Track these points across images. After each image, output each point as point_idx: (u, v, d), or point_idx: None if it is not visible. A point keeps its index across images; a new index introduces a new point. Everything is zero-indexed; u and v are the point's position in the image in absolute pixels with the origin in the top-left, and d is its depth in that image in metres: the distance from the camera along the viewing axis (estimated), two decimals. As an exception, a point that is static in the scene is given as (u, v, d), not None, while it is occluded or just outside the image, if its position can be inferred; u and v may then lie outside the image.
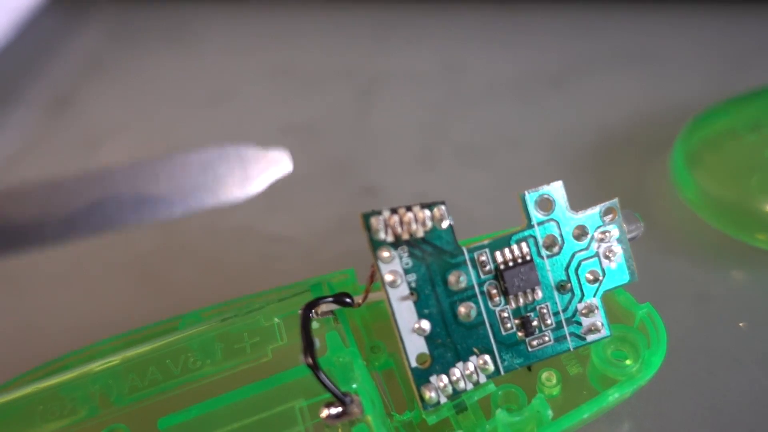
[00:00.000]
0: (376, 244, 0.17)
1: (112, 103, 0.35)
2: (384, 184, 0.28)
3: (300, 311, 0.18)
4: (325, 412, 0.17)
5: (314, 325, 0.19)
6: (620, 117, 0.29)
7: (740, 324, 0.22)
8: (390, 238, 0.17)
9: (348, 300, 0.18)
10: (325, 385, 0.16)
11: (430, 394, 0.18)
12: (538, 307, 0.19)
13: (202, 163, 0.14)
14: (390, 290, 0.18)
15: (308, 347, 0.17)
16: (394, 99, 0.33)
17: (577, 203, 0.19)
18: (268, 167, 0.15)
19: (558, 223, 0.19)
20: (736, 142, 0.25)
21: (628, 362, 0.19)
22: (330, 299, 0.18)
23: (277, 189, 0.28)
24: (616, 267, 0.19)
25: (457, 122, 0.31)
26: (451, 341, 0.18)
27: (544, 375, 0.19)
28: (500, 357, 0.18)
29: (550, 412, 0.18)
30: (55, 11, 0.41)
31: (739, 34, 0.32)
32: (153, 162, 0.14)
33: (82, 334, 0.22)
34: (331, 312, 0.19)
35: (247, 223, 0.28)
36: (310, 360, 0.17)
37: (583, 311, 0.19)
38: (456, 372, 0.18)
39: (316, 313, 0.18)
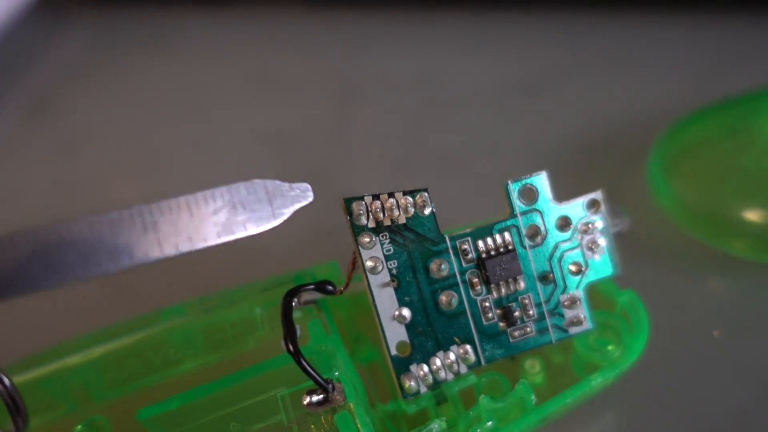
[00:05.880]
0: (357, 230, 0.17)
1: (90, 109, 0.35)
2: (361, 192, 0.28)
3: (282, 299, 0.17)
4: (307, 400, 0.17)
5: (296, 314, 0.18)
6: (597, 124, 0.30)
7: (714, 332, 0.22)
8: (371, 224, 0.18)
9: (330, 287, 0.18)
10: (306, 372, 0.16)
11: (409, 383, 0.18)
12: (520, 298, 0.19)
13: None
14: (370, 276, 0.18)
15: (289, 334, 0.17)
16: (372, 106, 0.33)
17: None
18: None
19: (541, 213, 0.19)
20: (712, 149, 0.25)
21: (610, 348, 0.19)
22: (311, 287, 0.18)
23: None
24: (600, 259, 0.19)
25: (435, 130, 0.31)
26: (431, 330, 0.18)
27: (528, 363, 0.19)
28: (481, 347, 0.18)
29: (533, 398, 0.18)
30: (36, 18, 0.41)
31: (715, 43, 0.32)
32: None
33: (55, 334, 0.22)
34: (314, 301, 0.19)
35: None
36: (290, 347, 0.16)
37: (566, 303, 0.19)
38: (437, 361, 0.18)
39: (299, 301, 0.18)
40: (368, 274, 0.18)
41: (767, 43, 0.32)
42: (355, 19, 0.38)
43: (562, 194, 0.19)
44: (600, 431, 0.20)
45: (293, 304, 0.17)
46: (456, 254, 0.18)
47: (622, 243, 0.21)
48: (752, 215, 0.23)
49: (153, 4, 0.41)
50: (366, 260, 0.18)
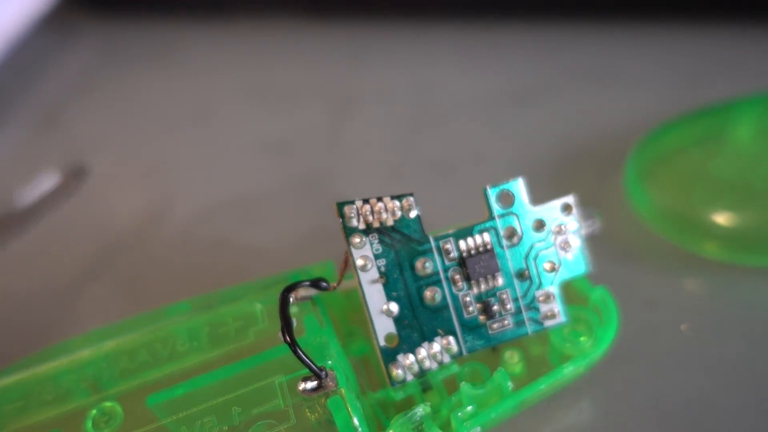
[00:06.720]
0: (348, 231, 0.19)
1: (98, 121, 0.37)
2: (356, 197, 0.30)
3: (279, 294, 0.19)
4: (302, 386, 0.18)
5: (293, 309, 0.20)
6: (578, 133, 0.31)
7: (682, 326, 0.23)
8: (362, 226, 0.19)
9: (324, 284, 0.20)
10: (301, 360, 0.18)
11: (397, 372, 0.19)
12: (498, 293, 0.20)
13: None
14: (361, 274, 0.19)
15: (286, 325, 0.18)
16: (367, 116, 0.34)
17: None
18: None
19: (517, 216, 0.20)
20: (684, 157, 0.27)
21: (582, 339, 0.20)
22: (307, 283, 0.19)
23: (252, 202, 0.30)
24: (573, 258, 0.21)
25: (427, 138, 0.33)
26: (417, 323, 0.20)
27: (507, 354, 0.21)
28: (463, 338, 0.20)
29: (510, 384, 0.19)
30: (45, 31, 0.42)
31: (690, 55, 0.34)
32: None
33: (68, 331, 0.23)
34: (310, 298, 0.20)
35: (222, 236, 0.29)
36: (287, 337, 0.18)
37: (541, 298, 0.20)
38: (422, 351, 0.20)
39: (295, 297, 0.20)
40: (359, 271, 0.19)
41: (737, 56, 0.33)
42: (350, 33, 0.39)
43: (543, 199, 0.21)
44: (577, 416, 0.22)
45: (290, 299, 0.19)
46: (439, 253, 0.20)
47: (596, 243, 0.22)
48: (720, 219, 0.24)
49: (158, 19, 0.42)
50: (357, 259, 0.19)
